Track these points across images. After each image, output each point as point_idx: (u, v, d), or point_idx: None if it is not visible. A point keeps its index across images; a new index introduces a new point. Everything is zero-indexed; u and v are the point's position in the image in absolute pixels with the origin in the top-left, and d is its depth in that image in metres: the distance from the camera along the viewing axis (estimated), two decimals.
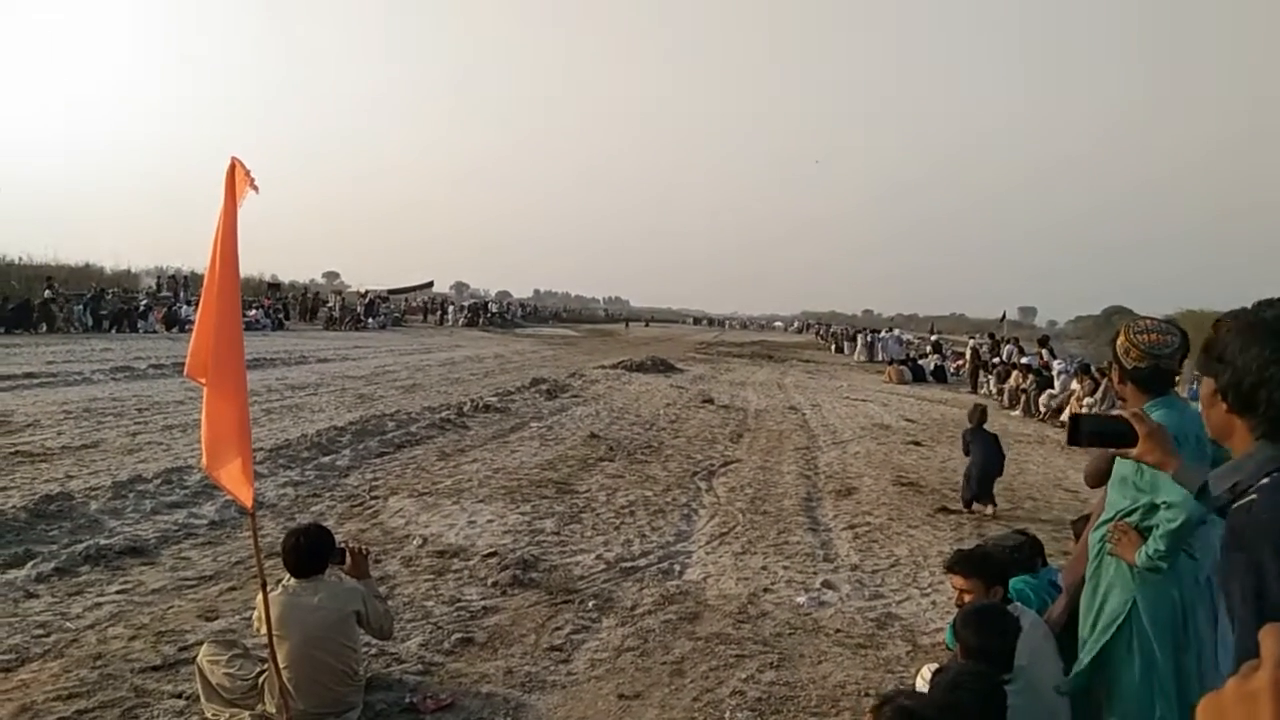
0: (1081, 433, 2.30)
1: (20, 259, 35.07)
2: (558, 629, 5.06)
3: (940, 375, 27.73)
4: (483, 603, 5.41)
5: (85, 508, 6.86)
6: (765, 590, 5.95)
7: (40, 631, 4.63)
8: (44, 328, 26.02)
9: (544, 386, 17.57)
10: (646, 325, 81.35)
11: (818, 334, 63.97)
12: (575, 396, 16.87)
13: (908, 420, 16.29)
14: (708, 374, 25.21)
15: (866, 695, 4.34)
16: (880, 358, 35.50)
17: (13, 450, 8.93)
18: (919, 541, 7.45)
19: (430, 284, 60.42)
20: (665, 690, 4.33)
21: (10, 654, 4.33)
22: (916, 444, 13.17)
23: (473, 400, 14.69)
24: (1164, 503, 2.62)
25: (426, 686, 4.19)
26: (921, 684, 3.66)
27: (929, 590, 6.16)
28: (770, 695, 4.31)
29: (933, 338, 35.98)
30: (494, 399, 15.09)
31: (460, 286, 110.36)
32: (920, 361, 29.16)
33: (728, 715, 4.08)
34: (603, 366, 24.21)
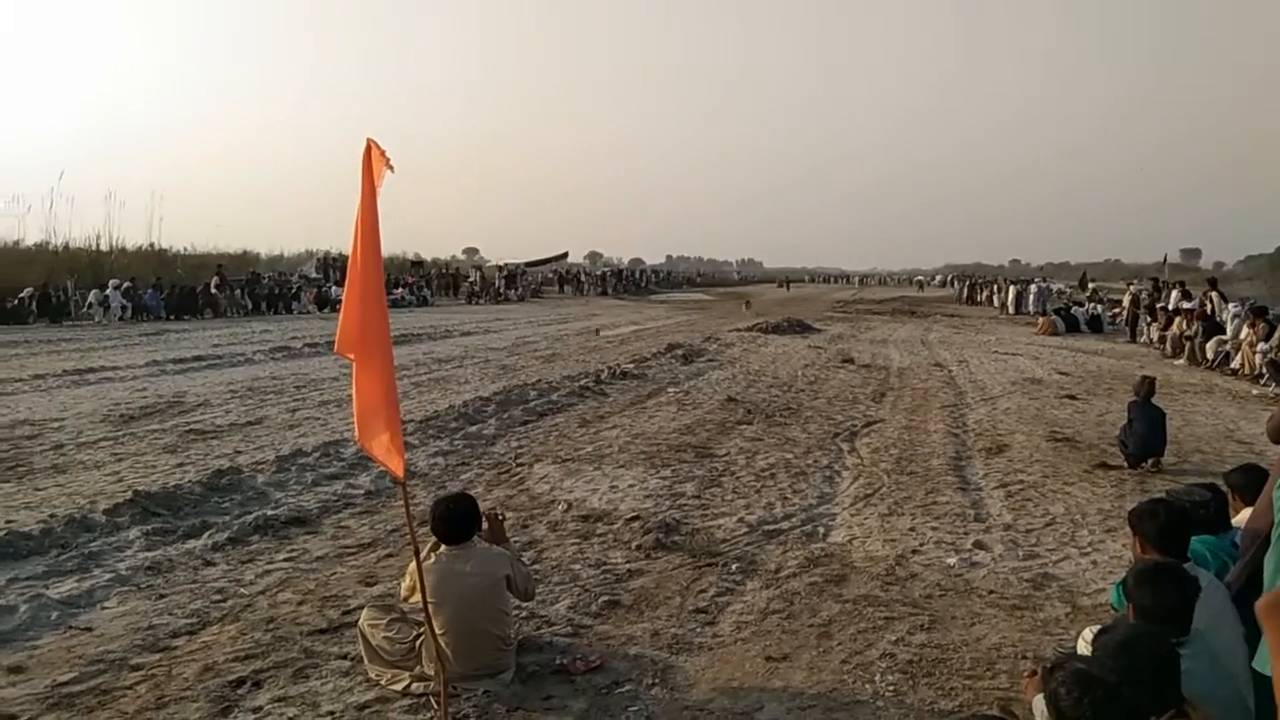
0: None
1: (185, 249, 37.72)
2: (702, 591, 5.07)
3: (1096, 325, 26.35)
4: (627, 566, 5.48)
5: (253, 481, 7.29)
6: (914, 552, 5.80)
7: (218, 597, 4.95)
8: (209, 313, 27.81)
9: (679, 351, 17.60)
10: (778, 286, 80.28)
11: (963, 286, 61.64)
12: (711, 360, 16.84)
13: (1061, 373, 15.56)
14: (846, 333, 24.74)
15: (1024, 658, 4.18)
16: (1030, 309, 34.02)
17: (187, 429, 9.58)
18: (1076, 499, 7.12)
19: (565, 255, 61.30)
20: (813, 652, 4.29)
21: (193, 618, 4.65)
22: (1071, 398, 12.57)
23: (610, 367, 14.86)
24: None
25: (576, 648, 4.27)
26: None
27: (1088, 549, 5.87)
28: (922, 658, 4.21)
29: (1090, 285, 34.15)
30: (631, 365, 15.23)
31: (594, 256, 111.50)
32: (1074, 311, 27.76)
33: (878, 678, 4.00)
34: (738, 329, 24.06)
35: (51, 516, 6.18)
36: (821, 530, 6.27)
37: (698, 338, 21.61)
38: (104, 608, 4.79)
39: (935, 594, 5.06)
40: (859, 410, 11.33)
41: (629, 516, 6.44)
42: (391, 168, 3.41)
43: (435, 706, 3.64)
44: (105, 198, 35.13)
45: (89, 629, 4.52)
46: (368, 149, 3.38)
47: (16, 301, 24.76)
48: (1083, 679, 2.26)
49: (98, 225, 35.68)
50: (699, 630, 4.55)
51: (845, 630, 4.54)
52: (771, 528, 6.29)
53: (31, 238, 32.59)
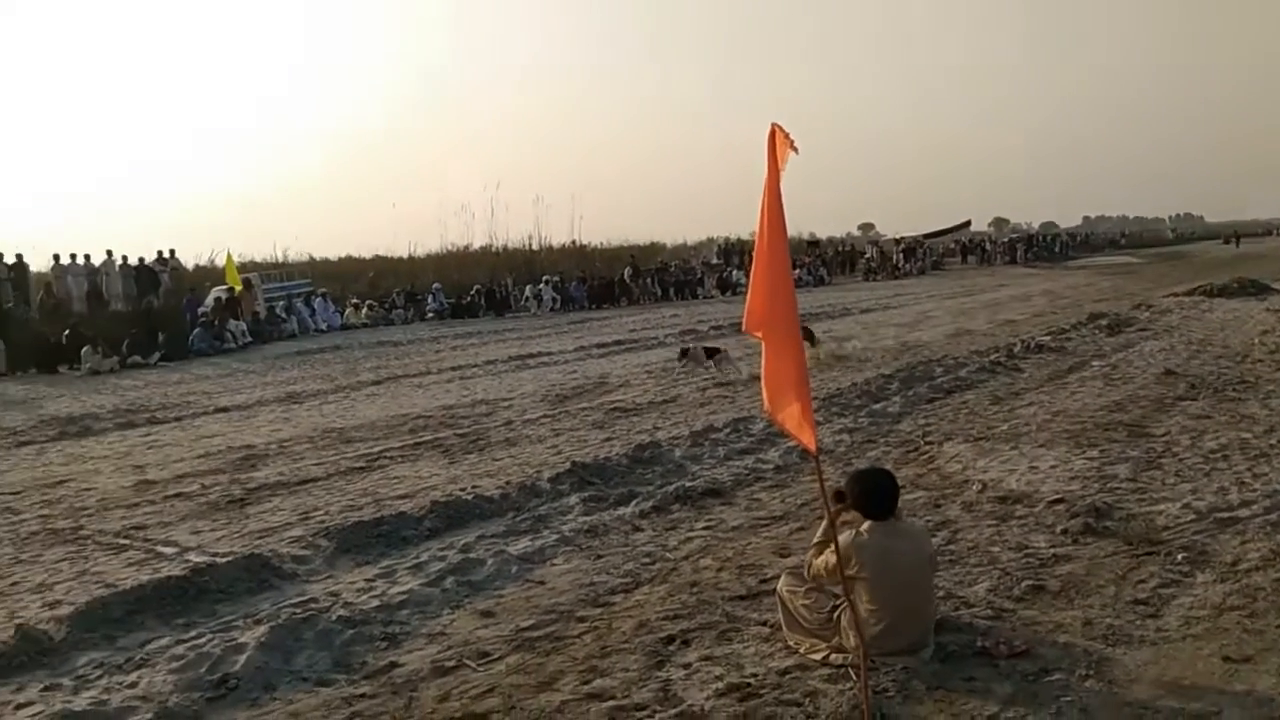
0: None
1: (601, 244, 41.63)
2: (1141, 582, 4.61)
3: None
4: (1052, 550, 5.12)
5: (671, 454, 7.82)
6: None
7: (647, 559, 5.39)
8: (624, 301, 30.36)
9: (1104, 321, 16.08)
10: (1224, 242, 70.28)
11: None
12: (1142, 330, 15.19)
13: None
14: None
15: None
16: None
17: (612, 406, 10.52)
18: None
19: (967, 223, 58.35)
20: None
21: (627, 578, 5.10)
22: None
23: (1023, 340, 13.97)
24: None
25: (998, 632, 4.09)
26: None
27: None
28: None
29: None
30: (1047, 338, 14.19)
31: (999, 222, 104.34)
32: None
33: None
34: (1174, 294, 21.42)
35: (507, 483, 7.11)
36: None
37: (1125, 305, 19.59)
38: (553, 564, 5.41)
39: None
40: None
41: (1052, 499, 6.02)
42: (796, 149, 3.48)
43: (854, 678, 3.67)
44: (534, 202, 39.69)
45: (542, 582, 5.13)
46: (772, 133, 3.48)
47: (469, 298, 28.92)
48: None
49: (529, 227, 40.47)
50: (1139, 623, 4.14)
51: None
52: (1225, 515, 5.54)
53: (478, 241, 38.10)
